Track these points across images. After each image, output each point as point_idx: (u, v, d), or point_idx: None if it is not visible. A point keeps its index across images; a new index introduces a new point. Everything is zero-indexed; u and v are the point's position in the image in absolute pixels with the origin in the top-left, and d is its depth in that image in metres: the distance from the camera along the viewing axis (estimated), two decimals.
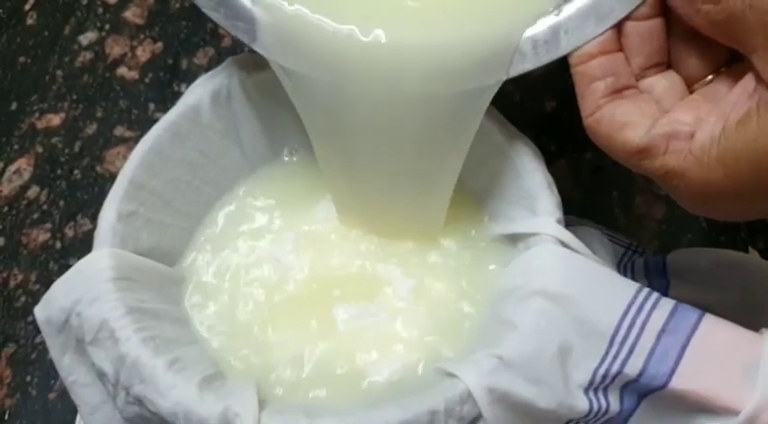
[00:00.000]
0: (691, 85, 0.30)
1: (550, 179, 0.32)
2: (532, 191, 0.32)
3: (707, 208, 0.29)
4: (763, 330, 0.28)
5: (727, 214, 0.30)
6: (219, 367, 0.32)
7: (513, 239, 0.32)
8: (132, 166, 0.34)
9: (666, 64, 0.30)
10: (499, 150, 0.34)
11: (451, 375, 0.27)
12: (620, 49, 0.30)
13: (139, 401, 0.28)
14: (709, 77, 0.30)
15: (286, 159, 0.38)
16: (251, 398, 0.27)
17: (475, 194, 0.35)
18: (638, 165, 0.29)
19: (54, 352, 0.32)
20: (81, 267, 0.31)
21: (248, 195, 0.37)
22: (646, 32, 0.29)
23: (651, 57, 0.30)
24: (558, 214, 0.31)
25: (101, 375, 0.30)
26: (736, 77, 0.28)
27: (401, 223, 0.35)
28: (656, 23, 0.29)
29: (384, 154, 0.33)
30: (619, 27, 0.29)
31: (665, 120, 0.28)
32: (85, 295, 0.30)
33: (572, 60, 0.30)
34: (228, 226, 0.36)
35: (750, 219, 0.30)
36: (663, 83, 0.30)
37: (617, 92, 0.29)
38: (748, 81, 0.27)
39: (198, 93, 0.36)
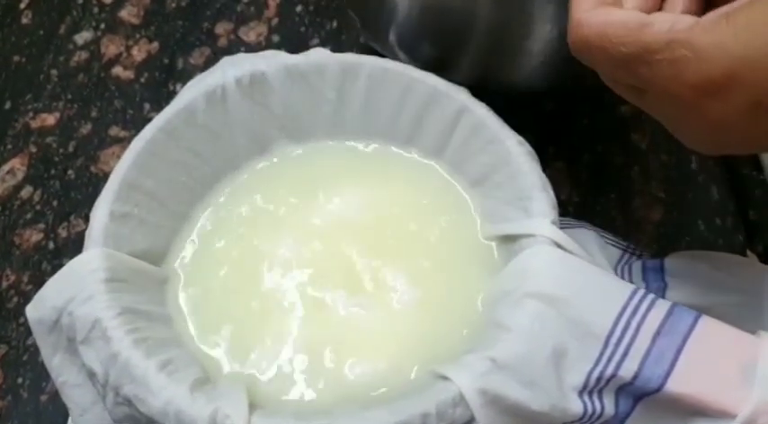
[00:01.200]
0: None
1: (546, 180, 0.32)
2: (527, 192, 0.32)
3: (713, 105, 0.26)
4: (761, 332, 0.28)
5: (734, 119, 0.26)
6: (207, 368, 0.31)
7: (508, 240, 0.32)
8: (125, 166, 0.34)
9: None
10: (495, 151, 0.33)
11: (444, 378, 0.27)
12: None
13: (129, 401, 0.28)
14: None
15: (278, 159, 0.38)
16: (241, 400, 0.27)
17: (470, 195, 0.35)
18: (636, 39, 0.26)
19: (45, 352, 0.32)
20: (74, 266, 0.31)
21: (240, 193, 0.37)
22: None
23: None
24: (554, 215, 0.31)
25: (90, 375, 0.30)
26: None
27: None
28: None
29: None
30: None
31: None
32: (78, 295, 0.30)
33: None
34: (219, 224, 0.36)
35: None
36: None
37: (609, 4, 0.28)
38: None
39: (192, 93, 0.36)
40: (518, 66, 0.39)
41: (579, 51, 0.28)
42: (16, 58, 0.51)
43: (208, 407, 0.27)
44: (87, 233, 0.32)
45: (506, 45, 0.38)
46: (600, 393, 0.28)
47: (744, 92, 0.25)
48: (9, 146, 0.47)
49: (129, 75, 0.50)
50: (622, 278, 0.37)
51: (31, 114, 0.49)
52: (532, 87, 0.41)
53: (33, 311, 0.31)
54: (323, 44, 0.51)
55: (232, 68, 0.36)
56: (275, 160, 0.37)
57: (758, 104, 0.25)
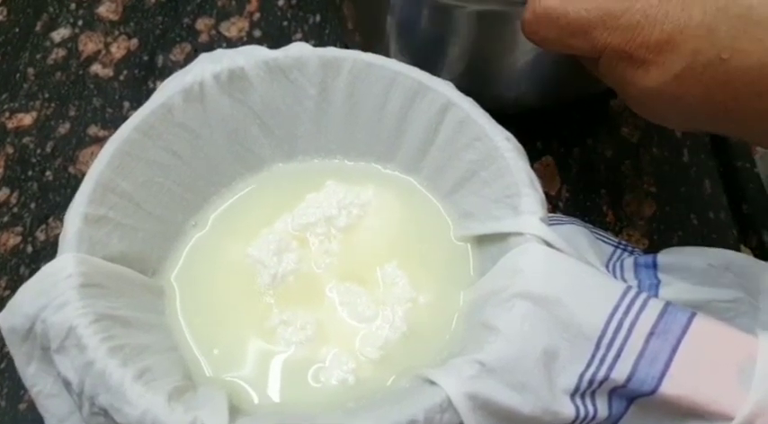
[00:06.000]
0: None
1: (534, 176, 0.31)
2: (515, 189, 0.31)
3: (654, 68, 0.29)
4: (758, 331, 0.27)
5: (667, 82, 0.29)
6: (194, 376, 0.31)
7: (496, 239, 0.31)
8: (100, 167, 0.32)
9: None
10: (482, 148, 0.33)
11: (431, 383, 0.26)
12: None
13: (105, 411, 0.27)
14: None
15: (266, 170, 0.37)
16: (221, 409, 0.27)
17: (456, 193, 0.35)
18: (599, 6, 0.30)
19: (19, 362, 0.31)
20: (47, 272, 0.30)
21: (229, 204, 0.36)
22: None
23: None
24: (542, 212, 0.30)
25: (66, 385, 0.29)
26: None
27: None
28: None
29: None
30: None
31: None
32: (52, 302, 0.29)
33: None
34: (211, 234, 0.35)
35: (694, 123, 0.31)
36: None
37: None
38: None
39: (169, 90, 0.35)
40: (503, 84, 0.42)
41: (537, 23, 0.31)
42: None
43: (186, 417, 0.26)
44: (61, 237, 0.31)
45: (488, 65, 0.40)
46: (592, 395, 0.28)
47: (678, 54, 0.28)
48: None
49: (108, 72, 0.49)
50: (614, 275, 0.36)
51: (6, 114, 0.48)
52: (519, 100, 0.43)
53: (5, 319, 0.30)
54: (306, 39, 0.50)
55: (210, 64, 0.35)
56: (263, 171, 0.37)
57: (685, 69, 0.28)
